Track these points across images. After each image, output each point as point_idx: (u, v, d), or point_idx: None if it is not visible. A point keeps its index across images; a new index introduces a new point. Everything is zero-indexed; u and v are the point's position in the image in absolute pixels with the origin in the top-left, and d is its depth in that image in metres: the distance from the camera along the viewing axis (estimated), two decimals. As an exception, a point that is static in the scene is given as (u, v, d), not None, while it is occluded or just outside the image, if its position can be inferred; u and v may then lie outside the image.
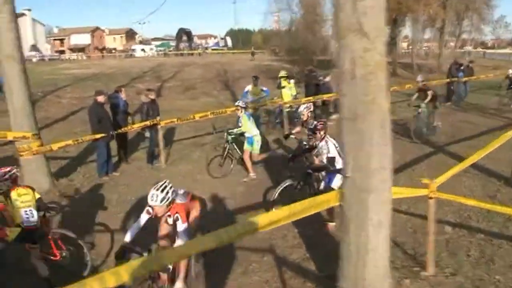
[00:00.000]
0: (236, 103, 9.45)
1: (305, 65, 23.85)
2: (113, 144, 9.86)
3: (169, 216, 4.59)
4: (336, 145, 6.31)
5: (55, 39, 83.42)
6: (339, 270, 4.15)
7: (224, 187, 8.56)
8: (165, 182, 4.49)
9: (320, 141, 6.57)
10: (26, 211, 5.03)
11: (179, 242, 4.37)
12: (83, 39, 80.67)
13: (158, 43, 79.12)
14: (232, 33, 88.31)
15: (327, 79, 14.34)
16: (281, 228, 6.73)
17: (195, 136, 13.00)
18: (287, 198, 6.48)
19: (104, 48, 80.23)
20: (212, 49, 72.60)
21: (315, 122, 6.83)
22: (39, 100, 18.62)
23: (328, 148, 6.40)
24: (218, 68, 33.57)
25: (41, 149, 8.09)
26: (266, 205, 7.23)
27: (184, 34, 75.12)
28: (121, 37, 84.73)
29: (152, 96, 10.50)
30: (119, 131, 9.48)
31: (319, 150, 6.64)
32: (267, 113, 14.95)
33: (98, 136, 8.88)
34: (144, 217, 4.56)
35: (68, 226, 6.24)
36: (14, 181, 5.15)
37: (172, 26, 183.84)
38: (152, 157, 10.23)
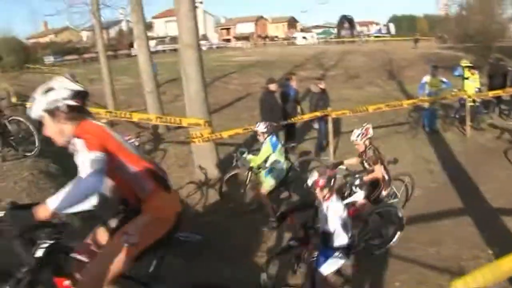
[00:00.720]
0: (256, 127, 7.27)
1: (482, 53, 21.11)
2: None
3: None
4: (344, 211, 4.40)
5: (222, 29, 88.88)
6: None
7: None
8: None
9: (323, 201, 4.40)
10: None
11: None
12: (248, 28, 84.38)
13: (319, 30, 78.73)
14: (395, 19, 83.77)
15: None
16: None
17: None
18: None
19: (266, 36, 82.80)
20: (375, 36, 69.79)
21: (315, 175, 4.38)
22: (208, 85, 19.47)
23: (327, 216, 4.35)
24: (382, 56, 31.79)
25: (212, 136, 8.13)
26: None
27: (346, 21, 73.55)
28: (283, 25, 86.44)
29: (322, 85, 9.95)
30: (289, 120, 9.12)
31: (319, 215, 4.55)
32: (443, 107, 13.33)
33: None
34: None
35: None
36: None
37: (333, 13, 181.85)
38: (320, 149, 9.72)
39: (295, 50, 42.95)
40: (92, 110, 8.78)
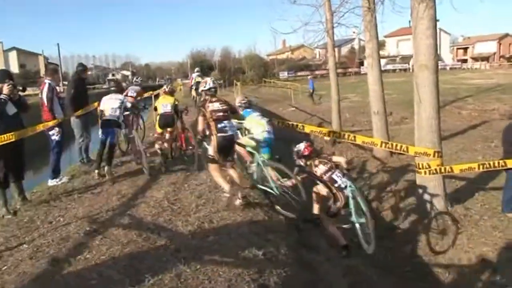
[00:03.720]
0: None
1: None
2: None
3: None
4: None
5: (458, 48, 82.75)
6: None
7: None
8: None
9: None
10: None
11: None
12: (488, 47, 76.58)
13: None
14: None
15: None
16: None
17: None
18: None
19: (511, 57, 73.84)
20: None
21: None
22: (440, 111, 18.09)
23: None
24: None
25: (441, 169, 7.24)
26: None
27: None
28: (535, 44, 75.73)
29: None
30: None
31: None
32: None
33: (510, 165, 7.16)
34: None
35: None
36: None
37: None
38: None
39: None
40: (314, 129, 8.92)
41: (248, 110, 8.05)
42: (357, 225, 6.44)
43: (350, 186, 6.39)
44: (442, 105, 18.65)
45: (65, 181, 8.05)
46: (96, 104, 9.50)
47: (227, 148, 6.26)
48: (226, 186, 6.15)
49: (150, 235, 5.11)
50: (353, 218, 6.41)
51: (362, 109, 19.64)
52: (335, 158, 7.07)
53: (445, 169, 7.30)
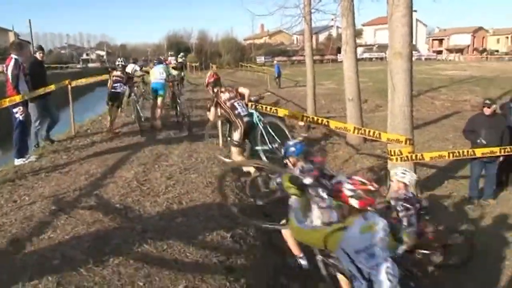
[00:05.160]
0: None
1: None
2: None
3: None
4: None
5: (434, 39, 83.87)
6: None
7: None
8: None
9: None
10: None
11: None
12: (463, 40, 77.85)
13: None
14: None
15: None
16: None
17: None
18: None
19: (484, 50, 75.18)
20: None
21: None
22: (413, 99, 18.31)
23: None
24: None
25: (412, 156, 7.31)
26: None
27: None
28: (507, 37, 77.23)
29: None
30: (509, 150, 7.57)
31: None
32: None
33: (479, 154, 7.27)
34: None
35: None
36: None
37: None
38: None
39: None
40: (288, 113, 8.89)
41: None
42: (261, 153, 7.91)
43: (253, 116, 7.78)
44: (416, 95, 18.98)
45: (32, 160, 7.81)
46: (67, 81, 9.28)
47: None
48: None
49: (117, 215, 5.01)
50: (258, 146, 7.88)
51: (338, 96, 19.68)
52: (240, 89, 7.89)
53: (416, 156, 7.36)
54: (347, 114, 12.23)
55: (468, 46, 77.92)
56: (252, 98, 8.50)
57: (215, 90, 7.60)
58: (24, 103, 7.82)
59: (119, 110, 11.61)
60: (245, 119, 7.23)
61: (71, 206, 5.34)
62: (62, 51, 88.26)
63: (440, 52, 77.75)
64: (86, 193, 5.90)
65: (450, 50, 77.57)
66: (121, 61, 11.09)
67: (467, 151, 7.23)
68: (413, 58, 8.21)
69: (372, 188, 3.17)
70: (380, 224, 3.14)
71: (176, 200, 5.61)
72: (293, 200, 3.99)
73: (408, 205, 5.04)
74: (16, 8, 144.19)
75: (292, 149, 4.95)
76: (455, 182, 8.87)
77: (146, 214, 5.17)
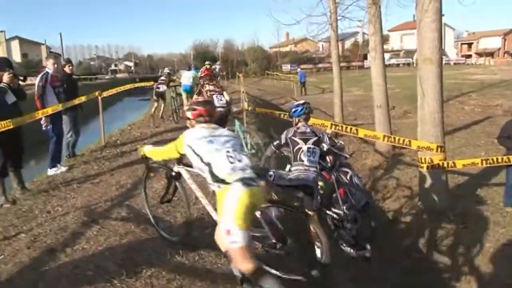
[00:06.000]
0: None
1: None
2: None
3: None
4: None
5: (463, 43, 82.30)
6: None
7: None
8: None
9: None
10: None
11: None
12: (494, 43, 76.11)
13: None
14: None
15: None
16: None
17: None
18: None
19: (516, 52, 73.38)
20: None
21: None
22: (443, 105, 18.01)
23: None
24: None
25: (444, 164, 7.16)
26: None
27: None
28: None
29: None
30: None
31: None
32: None
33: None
34: None
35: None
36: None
37: None
38: None
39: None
40: (317, 121, 8.84)
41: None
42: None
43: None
44: (445, 100, 18.57)
45: (63, 170, 7.99)
46: (97, 93, 9.55)
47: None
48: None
49: (148, 226, 5.06)
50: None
51: (365, 103, 19.52)
52: (225, 94, 9.31)
53: (448, 164, 7.21)
54: (376, 121, 12.09)
55: (499, 49, 76.08)
56: (234, 110, 10.48)
57: (202, 82, 9.81)
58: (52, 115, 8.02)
59: (163, 105, 14.86)
60: (217, 109, 7.98)
61: (103, 217, 5.43)
62: (92, 63, 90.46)
63: (469, 56, 76.21)
64: (118, 203, 5.99)
65: (479, 54, 75.97)
66: (168, 70, 16.61)
67: (501, 158, 7.02)
68: (443, 63, 8.06)
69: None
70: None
71: (207, 211, 5.62)
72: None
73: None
74: (48, 21, 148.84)
75: (294, 109, 5.93)
76: (488, 189, 8.61)
77: (177, 224, 5.21)
